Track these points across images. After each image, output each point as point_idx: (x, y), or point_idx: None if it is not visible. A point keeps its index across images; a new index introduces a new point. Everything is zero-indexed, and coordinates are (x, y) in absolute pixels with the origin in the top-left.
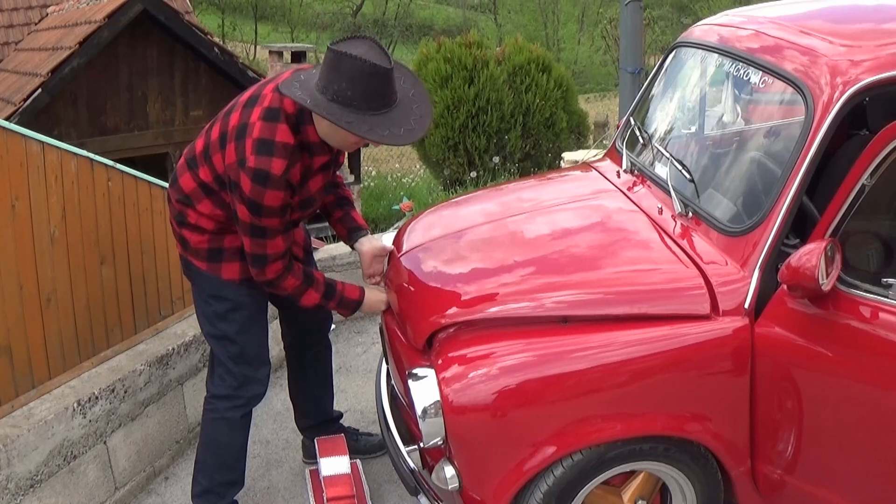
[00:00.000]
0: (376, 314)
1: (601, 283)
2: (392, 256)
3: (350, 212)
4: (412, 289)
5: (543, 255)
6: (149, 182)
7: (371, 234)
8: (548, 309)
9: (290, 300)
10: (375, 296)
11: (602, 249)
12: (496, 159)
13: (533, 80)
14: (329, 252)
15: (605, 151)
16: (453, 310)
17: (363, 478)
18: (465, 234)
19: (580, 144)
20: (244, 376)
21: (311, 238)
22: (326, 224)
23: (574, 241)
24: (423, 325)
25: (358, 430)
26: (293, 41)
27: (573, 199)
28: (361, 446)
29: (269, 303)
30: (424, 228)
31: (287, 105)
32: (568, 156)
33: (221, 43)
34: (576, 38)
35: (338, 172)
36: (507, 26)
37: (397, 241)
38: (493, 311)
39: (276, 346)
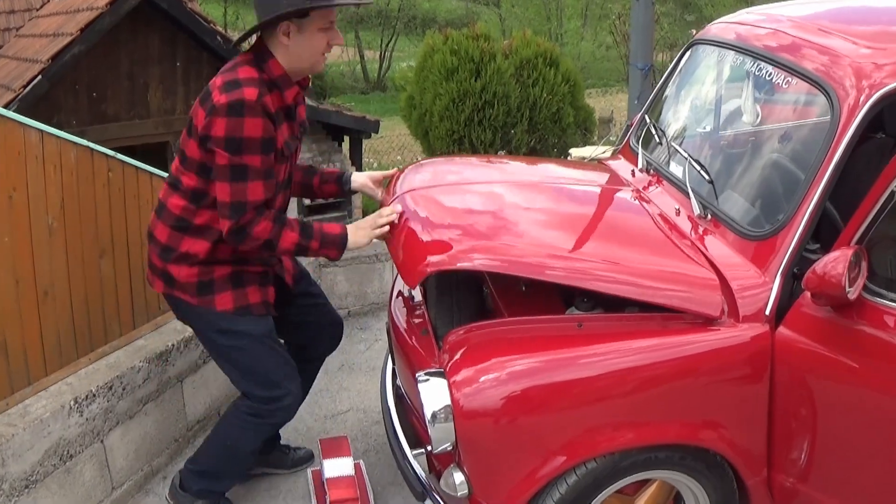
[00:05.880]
0: (364, 247)
1: (610, 266)
2: (391, 193)
3: (323, 171)
4: (411, 229)
5: (556, 223)
6: (150, 173)
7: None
8: (554, 273)
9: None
10: (359, 230)
11: (614, 240)
12: (502, 153)
13: (540, 74)
14: None
15: (614, 148)
16: (444, 256)
17: (367, 480)
18: (476, 188)
19: (586, 140)
20: (272, 398)
21: None
22: None
23: (584, 225)
24: (417, 267)
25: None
26: None
27: (587, 183)
28: (288, 461)
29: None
30: (428, 175)
31: (240, 60)
32: (575, 152)
33: (224, 32)
34: (579, 34)
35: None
36: (510, 20)
37: (394, 182)
38: (485, 259)
39: None
